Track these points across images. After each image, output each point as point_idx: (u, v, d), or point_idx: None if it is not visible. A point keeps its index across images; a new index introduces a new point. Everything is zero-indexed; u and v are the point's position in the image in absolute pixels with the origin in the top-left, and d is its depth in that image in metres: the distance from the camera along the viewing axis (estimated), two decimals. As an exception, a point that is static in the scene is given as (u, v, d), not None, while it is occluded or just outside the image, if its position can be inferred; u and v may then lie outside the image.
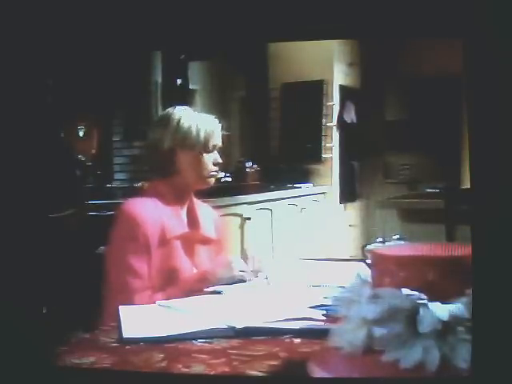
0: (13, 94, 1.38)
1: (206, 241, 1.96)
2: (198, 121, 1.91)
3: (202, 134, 1.90)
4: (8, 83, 1.37)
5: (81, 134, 5.22)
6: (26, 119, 1.39)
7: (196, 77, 5.14)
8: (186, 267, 1.86)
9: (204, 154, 1.91)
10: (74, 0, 1.40)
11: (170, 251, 1.83)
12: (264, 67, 5.30)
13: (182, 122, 1.89)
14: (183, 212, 1.94)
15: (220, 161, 1.94)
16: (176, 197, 1.91)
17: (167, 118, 1.92)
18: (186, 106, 1.97)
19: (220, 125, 1.96)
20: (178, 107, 1.95)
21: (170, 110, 1.95)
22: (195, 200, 1.97)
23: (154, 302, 1.63)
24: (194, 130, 1.89)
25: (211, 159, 1.93)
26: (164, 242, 1.82)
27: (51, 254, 1.73)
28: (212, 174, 1.94)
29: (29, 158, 1.41)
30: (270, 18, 1.34)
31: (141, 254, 1.78)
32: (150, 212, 1.82)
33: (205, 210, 2.01)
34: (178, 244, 1.85)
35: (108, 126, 5.19)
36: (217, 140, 1.94)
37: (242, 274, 1.85)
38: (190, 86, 5.11)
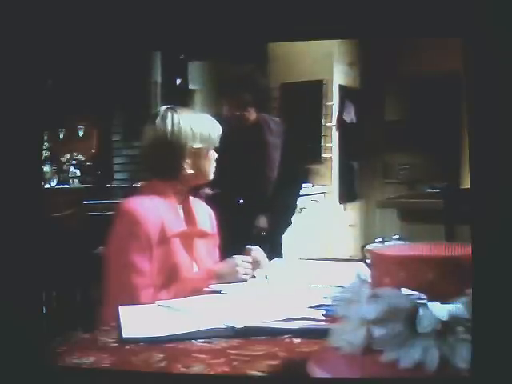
0: (12, 94, 1.38)
1: (203, 235, 1.98)
2: (201, 116, 1.97)
3: (208, 125, 1.95)
4: (8, 83, 1.37)
5: (80, 134, 5.24)
6: (26, 118, 1.39)
7: (196, 77, 5.15)
8: (186, 263, 1.87)
9: (210, 152, 1.95)
10: (74, 0, 1.40)
11: (170, 248, 1.83)
12: (264, 67, 5.30)
13: (181, 125, 1.91)
14: (180, 209, 1.95)
15: (215, 154, 1.98)
16: (173, 194, 1.92)
17: (165, 121, 1.92)
18: (182, 108, 1.99)
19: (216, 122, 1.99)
20: (172, 109, 1.95)
21: (164, 111, 1.94)
22: (190, 196, 1.99)
23: (157, 300, 1.64)
24: (201, 121, 1.93)
25: (213, 155, 1.97)
26: (164, 239, 1.82)
27: (51, 254, 1.73)
28: (213, 167, 1.98)
29: (28, 158, 1.41)
30: (270, 18, 1.34)
31: (143, 251, 1.78)
32: (150, 210, 1.83)
33: (199, 206, 2.03)
34: (177, 241, 1.86)
35: (108, 126, 5.20)
36: (218, 135, 1.97)
37: (245, 275, 1.86)
38: (190, 86, 5.12)
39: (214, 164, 1.97)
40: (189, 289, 1.75)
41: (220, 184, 2.05)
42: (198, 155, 1.92)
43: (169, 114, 1.91)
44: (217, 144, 1.97)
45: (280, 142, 2.88)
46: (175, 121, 1.90)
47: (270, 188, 2.87)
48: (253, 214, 2.85)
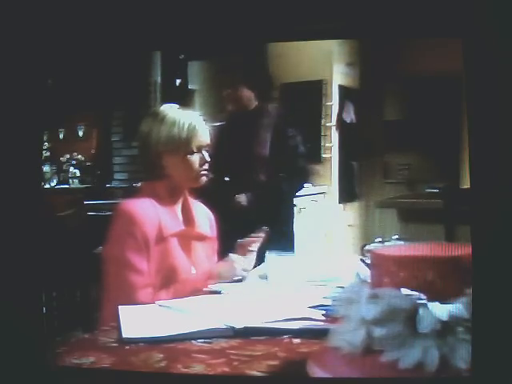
0: (13, 94, 1.38)
1: (201, 238, 1.97)
2: (181, 116, 1.91)
3: (185, 130, 1.89)
4: (8, 83, 1.37)
5: (80, 134, 5.23)
6: (26, 118, 1.39)
7: (196, 77, 5.14)
8: (184, 265, 1.87)
9: (188, 156, 1.90)
10: (74, 0, 1.40)
11: (168, 249, 1.83)
12: (264, 67, 5.30)
13: (166, 117, 1.90)
14: (178, 210, 1.94)
15: (208, 159, 1.93)
16: (170, 195, 1.92)
17: (154, 115, 1.93)
18: (172, 104, 1.98)
19: (205, 122, 1.95)
20: (164, 105, 1.97)
21: (156, 107, 1.99)
22: (190, 198, 1.98)
23: (156, 300, 1.64)
24: (176, 125, 1.89)
25: (197, 160, 1.92)
26: (161, 239, 1.82)
27: (51, 254, 1.73)
28: (201, 173, 1.93)
29: (28, 158, 1.41)
30: (269, 18, 1.35)
31: (140, 250, 1.78)
32: (147, 210, 1.83)
33: (199, 208, 2.01)
34: (175, 242, 1.86)
35: (107, 126, 5.20)
36: (202, 138, 1.92)
37: (243, 272, 1.86)
38: (190, 86, 5.11)
39: (204, 168, 1.93)
40: (187, 289, 1.75)
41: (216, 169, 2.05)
42: (172, 159, 1.90)
43: (150, 118, 1.93)
44: (202, 147, 1.92)
45: (272, 123, 2.92)
46: (152, 125, 1.90)
47: (261, 166, 2.89)
48: (237, 190, 2.87)
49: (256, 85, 2.89)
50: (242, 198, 2.86)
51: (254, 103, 2.91)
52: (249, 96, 2.87)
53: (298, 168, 3.16)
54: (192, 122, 1.91)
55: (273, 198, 2.97)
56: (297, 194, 3.30)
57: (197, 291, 1.74)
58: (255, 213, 2.83)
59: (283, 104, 5.20)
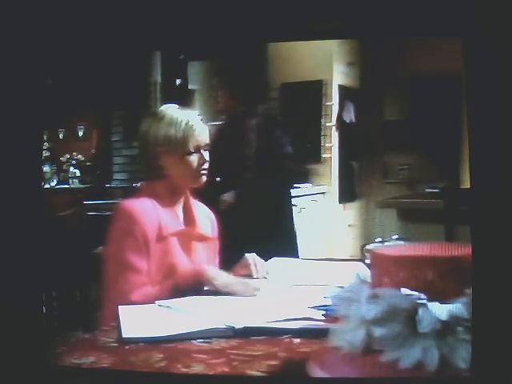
0: (12, 94, 1.38)
1: (202, 238, 1.96)
2: (179, 115, 1.91)
3: (182, 129, 1.88)
4: (8, 83, 1.37)
5: (80, 134, 5.24)
6: (26, 118, 1.39)
7: (196, 77, 5.15)
8: (184, 265, 1.86)
9: (187, 156, 1.89)
10: (74, 0, 1.40)
11: (168, 248, 1.83)
12: (263, 67, 5.30)
13: (164, 117, 1.90)
14: (179, 210, 1.94)
15: (206, 159, 1.92)
16: (171, 195, 1.91)
17: (153, 115, 1.94)
18: (172, 104, 1.97)
19: (203, 122, 1.94)
20: (164, 105, 1.97)
21: (156, 107, 2.03)
22: (191, 198, 1.97)
23: (151, 297, 1.65)
24: (173, 124, 1.89)
25: (196, 159, 1.91)
26: (161, 239, 1.82)
27: (51, 254, 1.73)
28: (201, 173, 1.93)
29: (28, 158, 1.41)
30: (269, 18, 1.35)
31: (139, 250, 1.78)
32: (147, 209, 1.83)
33: (201, 209, 2.01)
34: (175, 241, 1.86)
35: (107, 126, 5.20)
36: (200, 138, 1.91)
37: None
38: (190, 86, 5.12)
39: (203, 167, 1.91)
40: (179, 284, 1.74)
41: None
42: (171, 160, 1.89)
43: (149, 118, 1.93)
44: (200, 147, 1.91)
45: (261, 124, 2.93)
46: (151, 125, 1.90)
47: (249, 167, 2.90)
48: (225, 190, 2.89)
49: (246, 87, 2.91)
50: (228, 197, 2.87)
51: (244, 105, 2.92)
52: (237, 98, 2.88)
53: (285, 169, 3.15)
54: (189, 121, 1.90)
55: (261, 198, 2.98)
56: (288, 194, 3.30)
57: (188, 287, 1.73)
58: (253, 215, 2.84)
59: (282, 104, 5.21)
